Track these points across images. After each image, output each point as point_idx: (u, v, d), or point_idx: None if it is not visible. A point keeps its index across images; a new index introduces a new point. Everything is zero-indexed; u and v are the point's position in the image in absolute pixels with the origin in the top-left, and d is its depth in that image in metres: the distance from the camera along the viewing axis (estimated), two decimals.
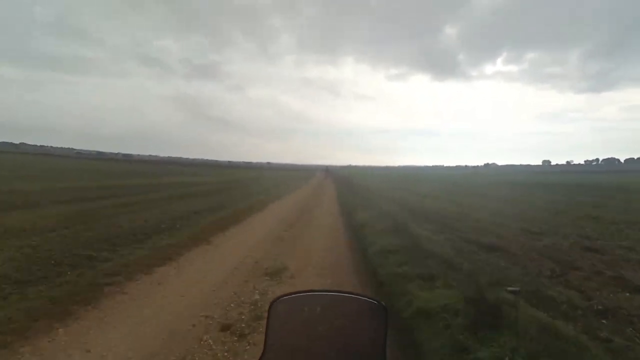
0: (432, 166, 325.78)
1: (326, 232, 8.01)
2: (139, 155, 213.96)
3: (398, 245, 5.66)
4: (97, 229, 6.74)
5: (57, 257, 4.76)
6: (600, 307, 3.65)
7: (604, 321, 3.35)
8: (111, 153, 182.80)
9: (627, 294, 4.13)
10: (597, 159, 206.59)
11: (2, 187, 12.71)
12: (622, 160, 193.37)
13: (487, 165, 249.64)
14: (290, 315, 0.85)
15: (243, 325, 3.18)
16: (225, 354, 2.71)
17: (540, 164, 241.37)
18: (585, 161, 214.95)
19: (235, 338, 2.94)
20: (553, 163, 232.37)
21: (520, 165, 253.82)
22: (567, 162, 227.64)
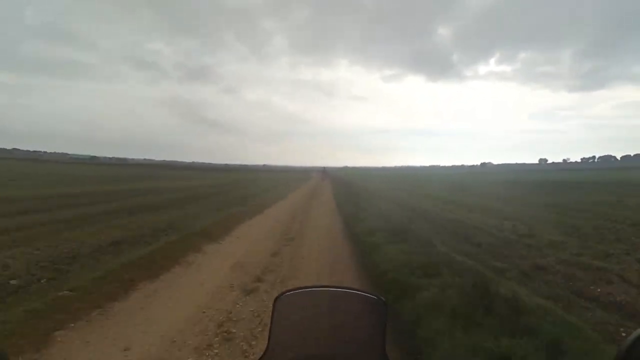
0: (429, 166, 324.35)
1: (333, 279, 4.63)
2: (133, 159, 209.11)
3: None
4: None
5: None
6: None
7: None
8: (105, 157, 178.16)
9: None
10: (594, 157, 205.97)
11: None
12: (618, 157, 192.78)
13: (483, 164, 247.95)
14: (293, 311, 0.86)
15: None
16: None
17: (537, 162, 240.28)
18: (582, 159, 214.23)
19: None
20: (549, 161, 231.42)
21: (516, 164, 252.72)
22: (564, 160, 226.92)
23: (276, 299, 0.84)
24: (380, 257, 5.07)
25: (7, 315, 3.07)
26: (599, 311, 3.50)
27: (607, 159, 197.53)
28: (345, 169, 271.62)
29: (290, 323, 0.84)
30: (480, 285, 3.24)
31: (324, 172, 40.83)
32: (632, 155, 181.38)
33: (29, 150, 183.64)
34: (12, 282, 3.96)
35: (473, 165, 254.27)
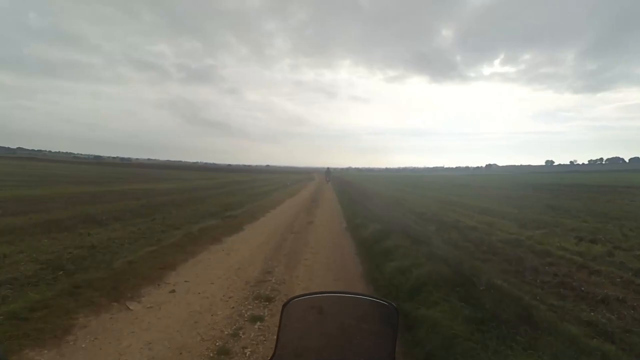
0: (432, 167, 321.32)
1: None
2: (137, 159, 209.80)
3: None
4: None
5: None
6: None
7: None
8: (109, 157, 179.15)
9: None
10: (602, 159, 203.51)
11: None
12: (626, 159, 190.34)
13: (488, 166, 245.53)
14: (302, 316, 0.84)
15: None
16: None
17: (543, 164, 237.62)
18: (589, 161, 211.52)
19: None
20: (556, 163, 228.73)
21: (522, 165, 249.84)
22: (571, 162, 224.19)
23: (284, 305, 0.82)
24: None
25: None
26: None
27: (615, 161, 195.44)
28: (349, 170, 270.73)
29: (298, 329, 0.83)
30: None
31: (328, 172, 39.32)
32: None
33: (33, 150, 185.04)
34: None
35: (478, 167, 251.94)
